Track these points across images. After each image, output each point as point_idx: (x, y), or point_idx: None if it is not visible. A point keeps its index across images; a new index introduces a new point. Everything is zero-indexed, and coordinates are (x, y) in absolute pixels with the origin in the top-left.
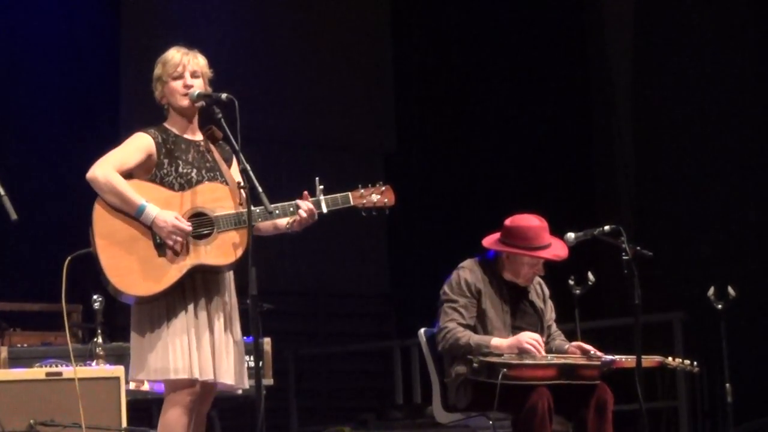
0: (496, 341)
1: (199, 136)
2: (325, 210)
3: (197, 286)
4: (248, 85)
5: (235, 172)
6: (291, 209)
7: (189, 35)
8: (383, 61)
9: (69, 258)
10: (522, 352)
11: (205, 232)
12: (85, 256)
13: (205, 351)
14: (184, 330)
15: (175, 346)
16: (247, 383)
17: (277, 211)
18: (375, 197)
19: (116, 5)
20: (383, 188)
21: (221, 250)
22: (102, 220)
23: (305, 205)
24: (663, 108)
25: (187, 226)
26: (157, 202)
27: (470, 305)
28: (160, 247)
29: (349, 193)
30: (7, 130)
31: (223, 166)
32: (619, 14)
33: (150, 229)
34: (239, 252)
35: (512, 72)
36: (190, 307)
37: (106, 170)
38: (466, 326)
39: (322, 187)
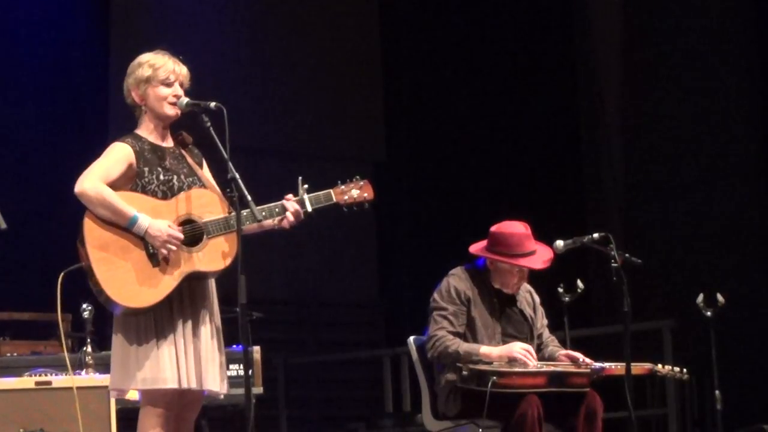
0: (486, 349)
1: (171, 142)
2: (309, 208)
3: (183, 294)
4: (236, 94)
5: (207, 176)
6: (277, 210)
7: (177, 43)
8: (372, 69)
9: (63, 273)
10: (513, 361)
11: (196, 238)
12: (76, 270)
13: (191, 360)
14: (172, 339)
15: (164, 356)
16: (226, 388)
17: (264, 213)
18: (355, 192)
19: (105, 14)
20: (362, 183)
21: (213, 256)
22: (93, 234)
23: (291, 207)
24: (652, 114)
25: (180, 234)
26: (146, 211)
27: (459, 313)
28: (153, 257)
29: (331, 191)
30: None
31: (198, 170)
32: (608, 20)
33: (142, 239)
34: (231, 257)
35: (501, 79)
36: (177, 315)
37: (94, 183)
38: (456, 334)
39: (306, 186)
